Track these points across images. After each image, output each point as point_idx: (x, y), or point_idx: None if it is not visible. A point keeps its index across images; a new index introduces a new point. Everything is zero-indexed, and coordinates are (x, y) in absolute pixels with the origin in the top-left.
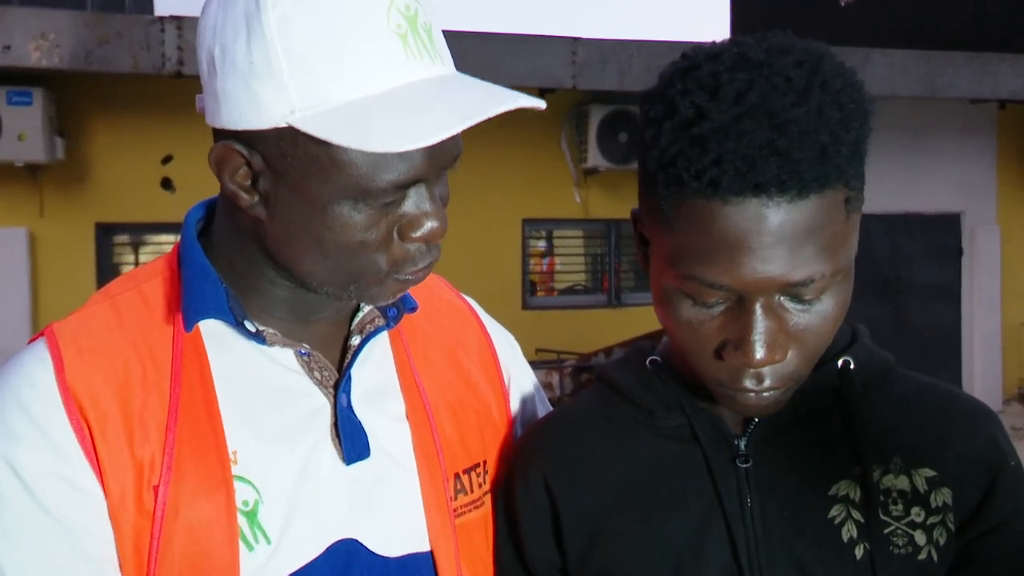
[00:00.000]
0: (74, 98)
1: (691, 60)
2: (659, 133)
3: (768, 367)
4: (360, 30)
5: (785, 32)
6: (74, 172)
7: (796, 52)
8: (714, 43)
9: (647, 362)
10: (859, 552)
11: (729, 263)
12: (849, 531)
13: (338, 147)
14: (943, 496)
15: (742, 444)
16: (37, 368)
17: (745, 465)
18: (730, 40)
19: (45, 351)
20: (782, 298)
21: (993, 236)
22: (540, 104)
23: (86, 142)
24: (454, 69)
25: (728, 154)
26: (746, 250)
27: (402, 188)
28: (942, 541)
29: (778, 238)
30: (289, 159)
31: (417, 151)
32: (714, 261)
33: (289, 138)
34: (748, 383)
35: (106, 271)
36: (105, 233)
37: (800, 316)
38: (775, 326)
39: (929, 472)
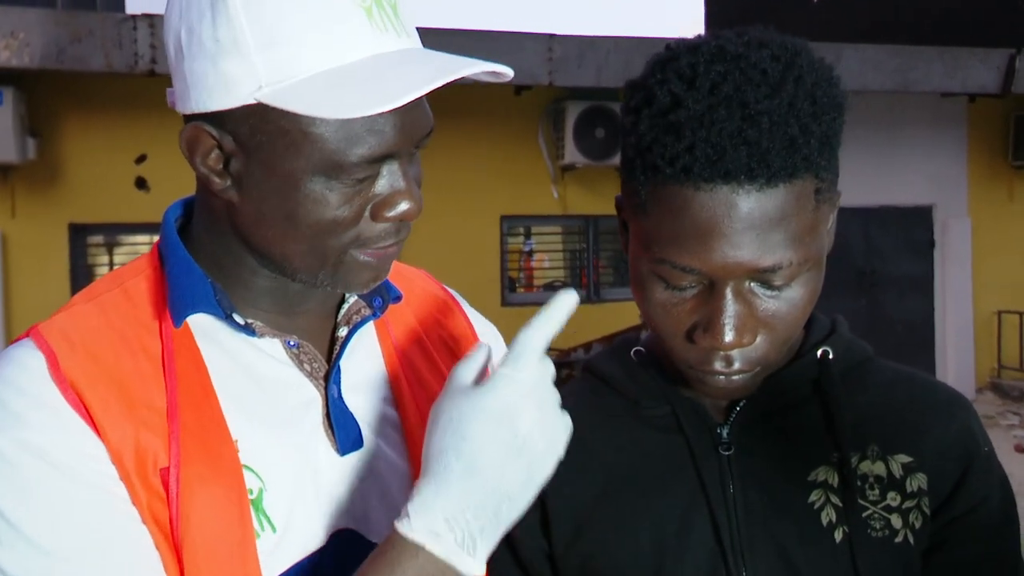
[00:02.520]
0: (46, 97)
1: (672, 51)
2: (637, 120)
3: (737, 350)
4: (325, 3)
5: (764, 27)
6: (47, 172)
7: (773, 46)
8: (697, 36)
9: (632, 352)
10: (838, 536)
11: (700, 247)
12: (828, 515)
13: (308, 120)
14: (918, 481)
15: (724, 432)
16: (29, 359)
17: (727, 452)
18: (711, 33)
19: (34, 346)
20: (752, 283)
21: (964, 228)
22: (507, 72)
23: (58, 142)
24: (420, 44)
25: (700, 142)
26: (716, 235)
27: (374, 162)
28: (918, 525)
29: (747, 224)
30: (260, 136)
31: (387, 124)
32: (686, 245)
33: (259, 114)
34: (717, 365)
35: (80, 272)
36: (79, 234)
37: (769, 302)
38: (744, 310)
39: (905, 458)
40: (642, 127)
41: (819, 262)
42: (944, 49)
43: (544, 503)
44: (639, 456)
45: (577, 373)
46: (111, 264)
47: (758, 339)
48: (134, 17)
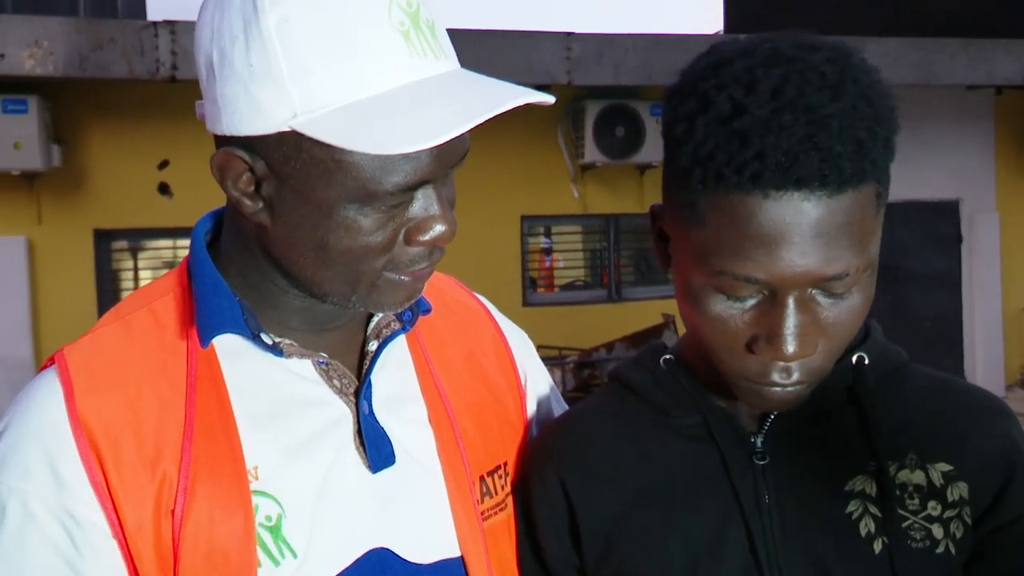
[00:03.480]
0: (69, 105)
1: (721, 55)
2: (692, 128)
3: (797, 361)
4: (361, 29)
5: (784, 25)
6: (71, 179)
7: (825, 49)
8: (740, 39)
9: (661, 361)
10: (878, 546)
11: (766, 257)
12: (867, 526)
13: (342, 150)
14: (959, 490)
15: (758, 441)
16: (48, 399)
17: (762, 462)
18: (757, 37)
19: (56, 380)
20: (814, 292)
21: (992, 223)
22: (549, 99)
23: (82, 149)
24: (458, 65)
25: (770, 148)
26: (784, 244)
27: (409, 190)
28: (959, 535)
29: (816, 232)
30: (293, 163)
31: (424, 152)
32: (750, 255)
33: (292, 142)
34: (776, 376)
35: (105, 277)
36: (103, 239)
37: (830, 310)
38: (807, 320)
39: (945, 466)
40: (699, 135)
41: (875, 267)
42: (968, 41)
43: (574, 516)
44: (669, 467)
45: (599, 373)
46: (135, 269)
47: (818, 348)
48: (155, 24)
